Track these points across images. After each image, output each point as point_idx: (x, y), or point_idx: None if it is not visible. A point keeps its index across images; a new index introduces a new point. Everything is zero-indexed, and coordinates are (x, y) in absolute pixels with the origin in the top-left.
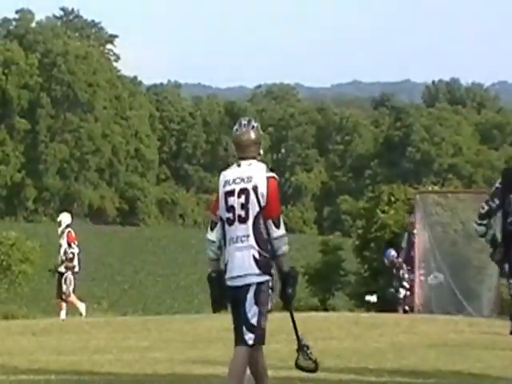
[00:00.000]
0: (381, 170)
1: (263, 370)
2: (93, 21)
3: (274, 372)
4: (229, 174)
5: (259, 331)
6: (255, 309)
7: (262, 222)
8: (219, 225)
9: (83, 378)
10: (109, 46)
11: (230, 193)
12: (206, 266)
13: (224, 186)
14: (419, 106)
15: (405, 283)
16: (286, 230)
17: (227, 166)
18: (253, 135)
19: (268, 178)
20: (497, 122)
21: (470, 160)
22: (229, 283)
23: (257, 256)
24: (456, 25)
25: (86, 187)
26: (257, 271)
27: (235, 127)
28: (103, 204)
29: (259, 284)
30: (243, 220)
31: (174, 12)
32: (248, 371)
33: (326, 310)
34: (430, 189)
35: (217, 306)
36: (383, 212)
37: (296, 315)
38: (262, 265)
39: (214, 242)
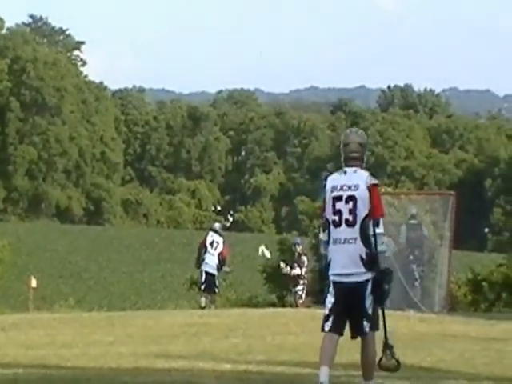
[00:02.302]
0: None
1: (373, 357)
2: (60, 28)
3: (233, 366)
4: (336, 181)
5: (373, 320)
6: (369, 301)
7: (366, 224)
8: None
9: (50, 372)
10: (76, 53)
11: (338, 198)
12: (169, 263)
13: (332, 192)
14: (375, 111)
15: None
16: (248, 229)
17: (190, 167)
18: (359, 145)
19: (372, 185)
20: (447, 126)
21: (421, 163)
22: (336, 278)
23: (363, 256)
24: (409, 33)
25: (54, 188)
26: (364, 270)
27: (343, 137)
28: (70, 204)
29: (367, 281)
30: (351, 224)
31: (138, 20)
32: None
33: (283, 306)
34: (383, 190)
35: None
36: None
37: (254, 311)
38: (368, 263)
39: (326, 241)
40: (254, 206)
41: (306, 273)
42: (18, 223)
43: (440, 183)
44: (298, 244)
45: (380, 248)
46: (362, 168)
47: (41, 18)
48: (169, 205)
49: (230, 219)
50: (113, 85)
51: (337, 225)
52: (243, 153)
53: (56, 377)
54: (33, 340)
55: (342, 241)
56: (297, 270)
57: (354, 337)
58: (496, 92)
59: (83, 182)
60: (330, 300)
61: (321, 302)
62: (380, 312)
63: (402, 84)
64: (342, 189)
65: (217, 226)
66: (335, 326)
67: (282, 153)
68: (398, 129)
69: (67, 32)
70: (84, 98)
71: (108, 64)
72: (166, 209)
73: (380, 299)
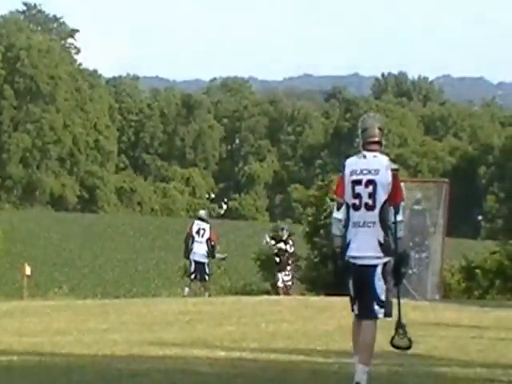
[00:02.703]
0: (330, 160)
1: (371, 342)
2: (54, 16)
3: (227, 353)
4: (355, 164)
5: (388, 306)
6: (383, 286)
7: (385, 209)
8: (344, 207)
9: (44, 359)
10: (70, 40)
11: (358, 182)
12: (163, 251)
13: (351, 175)
14: (368, 98)
15: None
16: (242, 217)
17: (184, 155)
18: (378, 129)
19: (392, 170)
20: (441, 114)
21: (415, 150)
22: (352, 261)
23: (381, 240)
24: (403, 21)
25: (48, 176)
26: (381, 253)
27: (361, 123)
28: (64, 192)
29: (384, 264)
30: (370, 208)
31: (133, 8)
32: None
33: (277, 293)
34: None
35: (340, 278)
36: (332, 200)
37: (249, 299)
38: (386, 247)
39: (340, 220)
40: (247, 193)
41: (292, 261)
42: (11, 211)
43: (433, 171)
44: (286, 230)
45: (399, 234)
46: (381, 153)
47: (35, 6)
48: (163, 193)
49: (224, 207)
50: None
51: (356, 208)
52: (237, 140)
53: (50, 364)
54: (27, 327)
55: (361, 224)
56: (285, 246)
57: (361, 318)
58: (490, 79)
59: (77, 169)
60: (350, 283)
61: (315, 290)
62: (395, 292)
63: (395, 72)
64: (361, 173)
65: (202, 213)
66: (362, 309)
67: (276, 140)
68: (391, 116)
69: (61, 20)
70: (78, 85)
71: (102, 52)
72: (160, 197)
73: (397, 281)
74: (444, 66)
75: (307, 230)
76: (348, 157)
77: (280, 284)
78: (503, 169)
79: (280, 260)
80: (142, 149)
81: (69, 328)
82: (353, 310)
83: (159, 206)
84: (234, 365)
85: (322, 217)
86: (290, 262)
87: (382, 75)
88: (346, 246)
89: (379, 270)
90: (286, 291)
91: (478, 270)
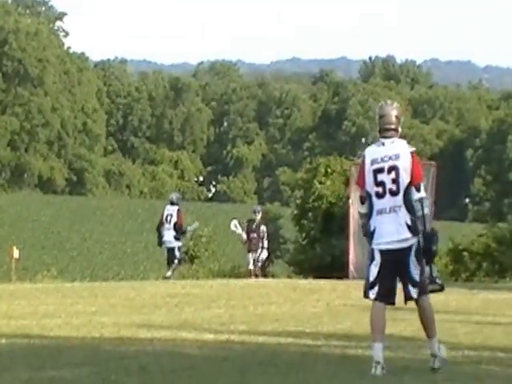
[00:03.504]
0: (318, 143)
1: (432, 317)
2: None
3: (215, 336)
4: (375, 153)
5: (422, 284)
6: (417, 266)
7: (409, 191)
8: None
9: (33, 342)
10: (58, 24)
11: (379, 170)
12: (152, 234)
13: (372, 164)
14: (356, 81)
15: None
16: (230, 199)
17: (172, 138)
18: (395, 117)
19: (411, 153)
20: (428, 97)
21: (402, 133)
22: (382, 247)
23: (409, 222)
24: (391, 4)
25: (36, 158)
26: (410, 235)
27: (378, 109)
28: (52, 175)
29: (412, 246)
30: (395, 193)
31: None
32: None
33: (265, 276)
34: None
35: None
36: (320, 183)
37: (237, 282)
38: (413, 229)
39: (366, 214)
40: (236, 176)
41: (267, 243)
42: (0, 194)
43: (421, 154)
44: (258, 212)
45: (425, 211)
46: (398, 138)
47: None
48: (151, 176)
49: (213, 190)
50: (95, 56)
51: (380, 196)
52: (225, 124)
53: (39, 346)
54: (15, 310)
55: (388, 210)
56: (253, 235)
57: (405, 301)
58: (477, 63)
59: (65, 152)
60: (373, 268)
61: (303, 273)
62: (428, 270)
63: (383, 55)
64: (382, 160)
65: (173, 196)
66: (382, 294)
67: (264, 124)
68: (379, 99)
69: (49, 3)
70: (66, 68)
71: (90, 35)
72: (149, 179)
73: (428, 260)
74: (431, 49)
75: (295, 212)
76: (366, 145)
77: (251, 266)
78: (490, 152)
79: (249, 239)
80: (130, 132)
81: (57, 311)
82: (367, 296)
83: (148, 189)
84: (222, 347)
85: (310, 200)
86: (262, 243)
87: (370, 59)
88: (371, 233)
89: (412, 251)
90: (254, 272)
91: (465, 253)
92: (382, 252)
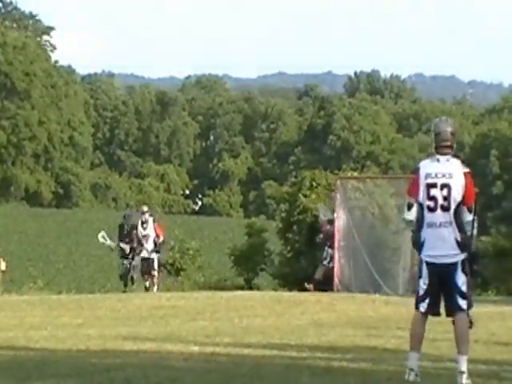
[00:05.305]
0: (304, 157)
1: (467, 333)
2: (30, 13)
3: (200, 348)
4: (430, 168)
5: (469, 298)
6: (464, 280)
7: (460, 209)
8: (416, 207)
9: (19, 353)
10: (45, 37)
11: (432, 185)
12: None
13: (426, 178)
14: (342, 96)
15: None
16: (216, 213)
17: (158, 151)
18: (450, 134)
19: (465, 173)
20: (413, 111)
21: (386, 148)
22: (430, 260)
23: (458, 239)
24: (375, 19)
25: (23, 172)
26: (459, 251)
27: (434, 126)
28: (39, 188)
29: (463, 261)
30: (446, 209)
31: (108, 6)
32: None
33: (250, 288)
34: (349, 174)
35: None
36: (305, 196)
37: (222, 294)
38: (463, 245)
39: (412, 221)
40: (222, 190)
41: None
42: None
43: (404, 168)
44: (145, 212)
45: (474, 232)
46: (452, 156)
47: (10, 3)
48: (138, 189)
49: (199, 203)
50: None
51: (432, 210)
52: (211, 137)
53: (25, 358)
54: (1, 322)
55: (438, 224)
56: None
57: (448, 315)
58: (461, 78)
59: (52, 165)
60: (424, 281)
61: (287, 285)
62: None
63: (368, 70)
64: (436, 176)
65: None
66: (431, 306)
67: (250, 137)
68: (364, 114)
69: (37, 17)
70: (53, 82)
71: (77, 49)
72: (135, 193)
73: (471, 277)
74: (416, 64)
75: (280, 225)
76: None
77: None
78: (474, 166)
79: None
80: (116, 145)
81: (43, 323)
82: (417, 308)
83: (134, 202)
84: (207, 359)
85: (296, 213)
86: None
87: (355, 73)
88: (420, 245)
89: (459, 265)
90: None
91: None
92: (428, 264)
